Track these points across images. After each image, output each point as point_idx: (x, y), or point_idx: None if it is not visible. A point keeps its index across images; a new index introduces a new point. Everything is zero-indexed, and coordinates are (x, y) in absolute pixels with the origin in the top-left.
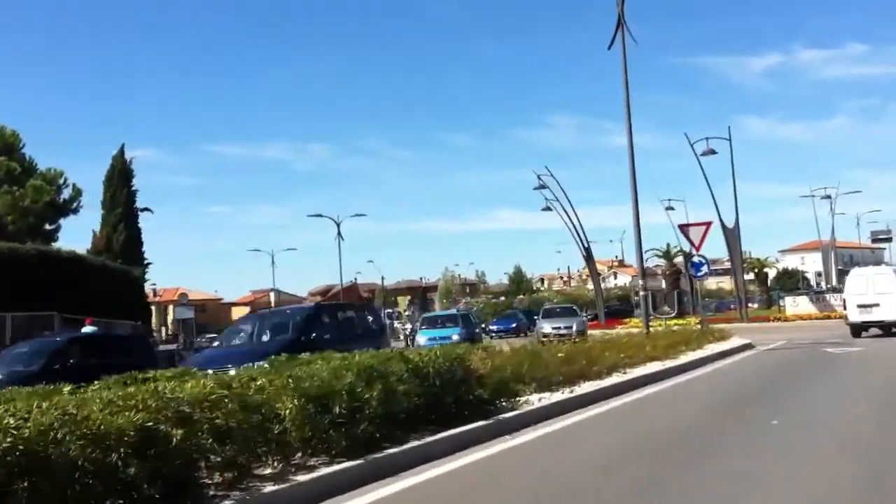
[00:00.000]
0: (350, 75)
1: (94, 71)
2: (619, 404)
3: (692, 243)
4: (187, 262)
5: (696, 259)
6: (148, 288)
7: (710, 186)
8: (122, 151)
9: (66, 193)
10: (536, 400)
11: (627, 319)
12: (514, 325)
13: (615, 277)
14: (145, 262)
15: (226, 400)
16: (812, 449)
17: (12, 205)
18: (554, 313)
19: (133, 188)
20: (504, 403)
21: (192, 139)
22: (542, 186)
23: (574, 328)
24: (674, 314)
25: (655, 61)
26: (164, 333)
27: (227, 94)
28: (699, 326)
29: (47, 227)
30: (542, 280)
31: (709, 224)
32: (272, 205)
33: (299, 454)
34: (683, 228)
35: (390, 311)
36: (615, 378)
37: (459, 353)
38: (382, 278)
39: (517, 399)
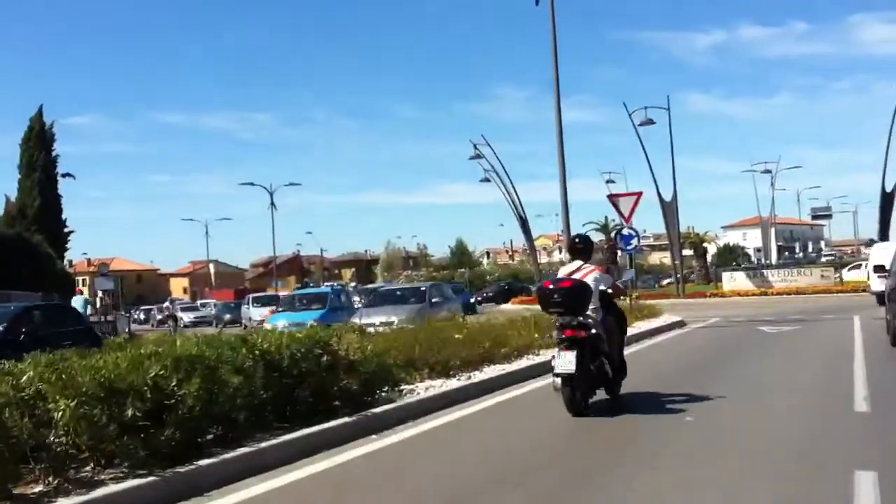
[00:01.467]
0: (296, 42)
1: (30, 31)
2: (519, 393)
3: (622, 215)
4: (126, 231)
5: (625, 231)
6: (83, 257)
7: (648, 158)
8: (40, 113)
9: None
10: (423, 389)
11: None
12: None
13: (560, 252)
14: (66, 229)
15: None
16: (722, 460)
17: None
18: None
19: (54, 153)
20: (384, 394)
21: (134, 106)
22: (479, 156)
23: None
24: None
25: (601, 36)
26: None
27: (170, 61)
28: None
29: None
30: (487, 254)
31: (639, 194)
32: (216, 174)
33: (90, 466)
34: (612, 199)
35: (332, 283)
36: (524, 361)
37: (323, 336)
38: (322, 250)
39: (401, 389)
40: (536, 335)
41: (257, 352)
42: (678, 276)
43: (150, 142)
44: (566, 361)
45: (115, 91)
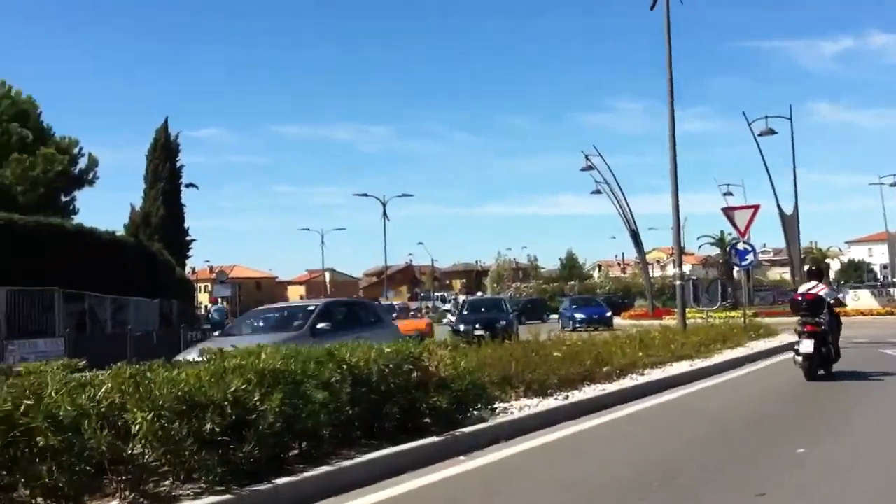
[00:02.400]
0: (413, 58)
1: (158, 45)
2: (616, 417)
3: (737, 229)
4: (248, 240)
5: (740, 246)
6: (205, 265)
7: (768, 169)
8: (165, 125)
9: (82, 164)
10: (518, 409)
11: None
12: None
13: (674, 266)
14: (188, 238)
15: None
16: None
17: (22, 174)
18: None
19: (179, 163)
20: (476, 413)
21: (259, 120)
22: (590, 167)
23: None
24: (716, 306)
25: (723, 46)
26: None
27: (294, 76)
28: (743, 321)
29: (63, 199)
30: (598, 266)
31: (755, 207)
32: (335, 185)
33: (168, 480)
34: (728, 212)
35: (444, 294)
36: (627, 381)
37: (412, 351)
38: (433, 260)
39: (494, 407)
40: (641, 353)
41: (345, 366)
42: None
43: (274, 153)
44: (807, 346)
45: (240, 104)
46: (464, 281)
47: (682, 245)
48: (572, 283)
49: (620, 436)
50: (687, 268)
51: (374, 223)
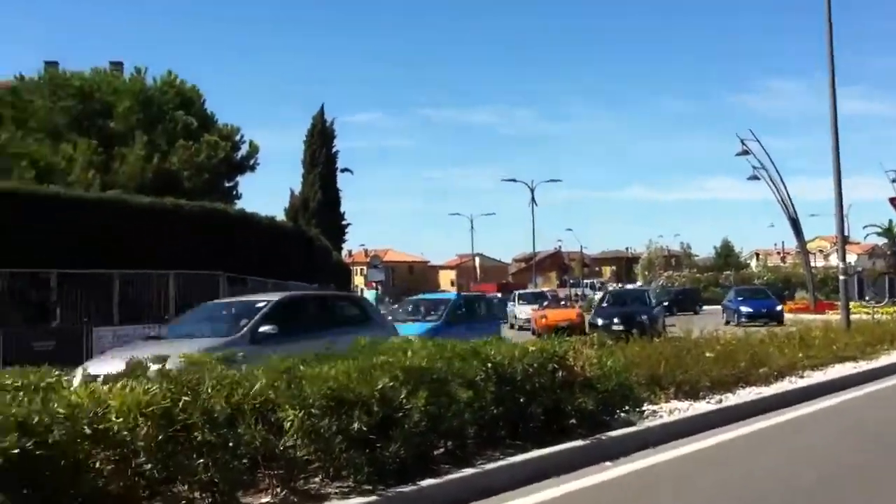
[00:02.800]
0: (556, 40)
1: (316, 34)
2: (770, 424)
3: None
4: (401, 224)
5: None
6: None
7: None
8: (321, 112)
9: (244, 150)
10: (668, 412)
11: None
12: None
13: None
14: (343, 222)
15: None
16: None
17: (187, 160)
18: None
19: (335, 149)
20: (623, 415)
21: (410, 102)
22: (745, 152)
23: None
24: (883, 302)
25: (885, 23)
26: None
27: (440, 59)
28: None
29: (226, 184)
30: (756, 255)
31: None
32: (481, 168)
33: (319, 477)
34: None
35: (593, 281)
36: (784, 384)
37: (557, 349)
38: (581, 247)
39: (642, 410)
40: (801, 354)
41: (489, 364)
42: None
43: (422, 137)
44: None
45: (393, 89)
46: (613, 268)
47: (845, 234)
48: (728, 272)
49: (774, 447)
50: (852, 258)
51: (521, 208)
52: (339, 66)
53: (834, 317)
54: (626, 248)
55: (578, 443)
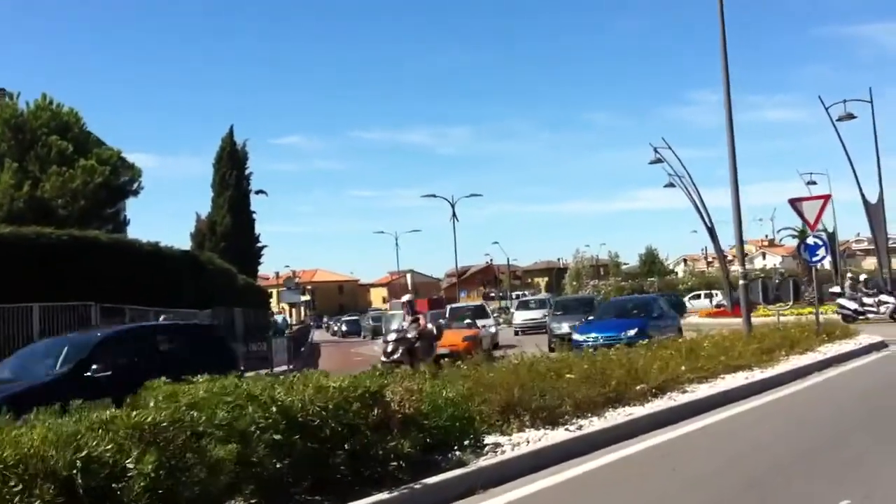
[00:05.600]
0: (489, 60)
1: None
2: (636, 451)
3: (806, 221)
4: (330, 244)
5: (810, 241)
6: (285, 270)
7: (849, 156)
8: (230, 134)
9: (125, 176)
10: (512, 446)
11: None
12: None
13: (763, 258)
14: (259, 245)
15: None
16: None
17: (60, 187)
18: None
19: (247, 171)
20: (458, 453)
21: (340, 126)
22: (659, 160)
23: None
24: (789, 305)
25: (811, 32)
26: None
27: (371, 82)
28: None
29: (108, 211)
30: (684, 261)
31: (826, 198)
32: (414, 188)
33: None
34: (795, 203)
35: (521, 293)
36: (663, 402)
37: (368, 385)
38: (508, 259)
39: (482, 445)
40: (685, 366)
41: (273, 408)
42: (888, 286)
43: (354, 159)
44: None
45: (320, 111)
46: (546, 279)
47: (771, 238)
48: (652, 279)
49: (637, 479)
50: (776, 260)
51: (458, 224)
52: (263, 91)
53: (754, 319)
54: (558, 259)
55: (383, 496)
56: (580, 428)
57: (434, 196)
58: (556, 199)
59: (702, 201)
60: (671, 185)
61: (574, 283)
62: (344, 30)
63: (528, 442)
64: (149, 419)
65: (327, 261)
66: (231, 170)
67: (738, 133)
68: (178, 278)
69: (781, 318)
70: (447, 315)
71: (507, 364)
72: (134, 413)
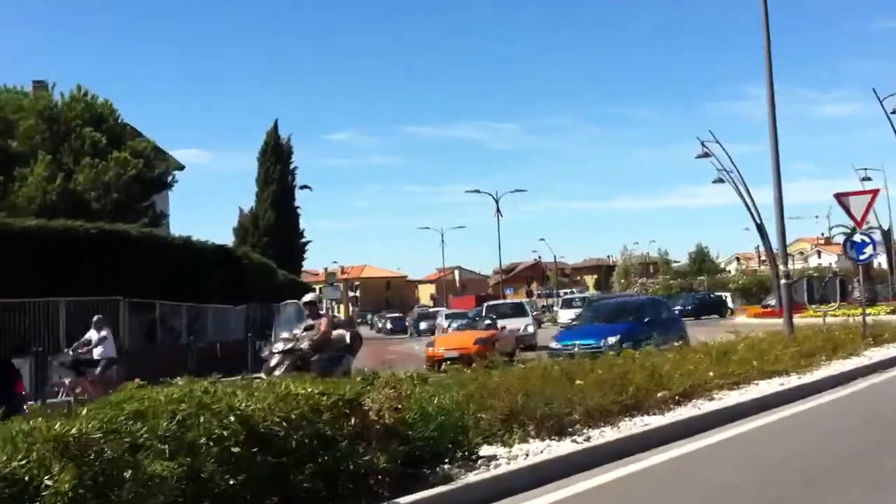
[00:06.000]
0: (539, 53)
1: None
2: (646, 467)
3: (853, 217)
4: (382, 240)
5: (857, 238)
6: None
7: None
8: (275, 128)
9: (160, 167)
10: (508, 459)
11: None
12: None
13: (819, 256)
14: (303, 240)
15: None
16: None
17: (93, 179)
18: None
19: (291, 166)
20: (448, 466)
21: (390, 121)
22: (706, 155)
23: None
24: (835, 306)
25: (868, 27)
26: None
27: (424, 76)
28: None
29: (143, 204)
30: (737, 259)
31: (874, 192)
32: (466, 183)
33: None
34: (841, 198)
35: (569, 291)
36: (685, 410)
37: (343, 392)
38: (555, 256)
39: (476, 458)
40: (712, 372)
41: (231, 418)
42: None
43: (405, 155)
44: None
45: (372, 107)
46: (595, 277)
47: (786, 239)
48: (702, 277)
49: (646, 496)
50: (832, 258)
51: (505, 220)
52: (315, 86)
53: (802, 320)
54: (608, 257)
55: None
56: (588, 439)
57: (478, 191)
58: (605, 196)
59: (751, 197)
60: (720, 180)
61: (622, 280)
62: (395, 25)
63: (528, 454)
64: (73, 430)
65: (377, 256)
66: (275, 164)
67: (793, 128)
68: (209, 273)
69: (828, 320)
70: (483, 312)
71: (518, 368)
72: (58, 424)
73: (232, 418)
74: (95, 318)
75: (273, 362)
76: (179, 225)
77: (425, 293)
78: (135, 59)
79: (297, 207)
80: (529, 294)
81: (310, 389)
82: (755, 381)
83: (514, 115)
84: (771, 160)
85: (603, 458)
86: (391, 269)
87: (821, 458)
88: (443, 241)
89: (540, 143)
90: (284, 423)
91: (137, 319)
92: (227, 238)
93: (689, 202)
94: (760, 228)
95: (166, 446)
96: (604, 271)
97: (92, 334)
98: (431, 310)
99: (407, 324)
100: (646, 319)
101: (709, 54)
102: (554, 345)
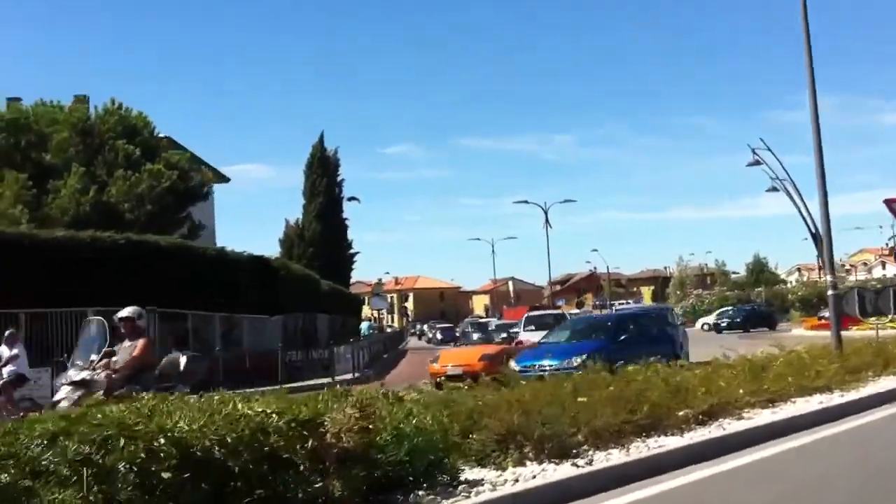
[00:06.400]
0: (594, 64)
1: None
2: (651, 494)
3: None
4: (436, 252)
5: None
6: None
7: None
8: (321, 140)
9: (196, 180)
10: (492, 486)
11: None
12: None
13: (883, 267)
14: (351, 252)
15: None
16: None
17: (126, 191)
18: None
19: (339, 178)
20: (422, 493)
21: (444, 134)
22: (757, 163)
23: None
24: (890, 317)
25: None
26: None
27: (475, 90)
28: None
29: (180, 215)
30: (798, 270)
31: None
32: (519, 195)
33: None
34: (892, 203)
35: (624, 301)
36: (711, 430)
37: (299, 412)
38: (607, 267)
39: (455, 484)
40: (742, 389)
41: (162, 440)
42: None
43: (459, 167)
44: None
45: (428, 121)
46: (652, 288)
47: (832, 247)
48: (759, 288)
49: None
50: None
51: (560, 231)
52: (371, 100)
53: (859, 332)
54: (665, 268)
55: None
56: (591, 462)
57: (526, 202)
58: (661, 207)
59: (805, 207)
60: (774, 188)
61: (678, 292)
62: (448, 38)
63: (518, 479)
64: None
65: (431, 268)
66: (322, 177)
67: (860, 138)
68: (244, 284)
69: (883, 332)
70: (522, 323)
71: (520, 385)
72: None
73: (162, 440)
74: (7, 332)
75: (60, 395)
76: (233, 238)
77: (480, 304)
78: (196, 75)
79: (346, 219)
80: (580, 305)
81: (259, 409)
82: (793, 399)
83: (568, 127)
84: (815, 165)
85: (605, 484)
86: (445, 280)
87: (848, 485)
88: (493, 251)
89: (593, 155)
90: (222, 447)
91: (168, 330)
92: (275, 250)
93: (747, 212)
94: (815, 237)
95: (75, 472)
96: (660, 282)
97: (3, 351)
98: (483, 320)
99: (457, 334)
100: (621, 337)
101: (767, 64)
102: (514, 366)
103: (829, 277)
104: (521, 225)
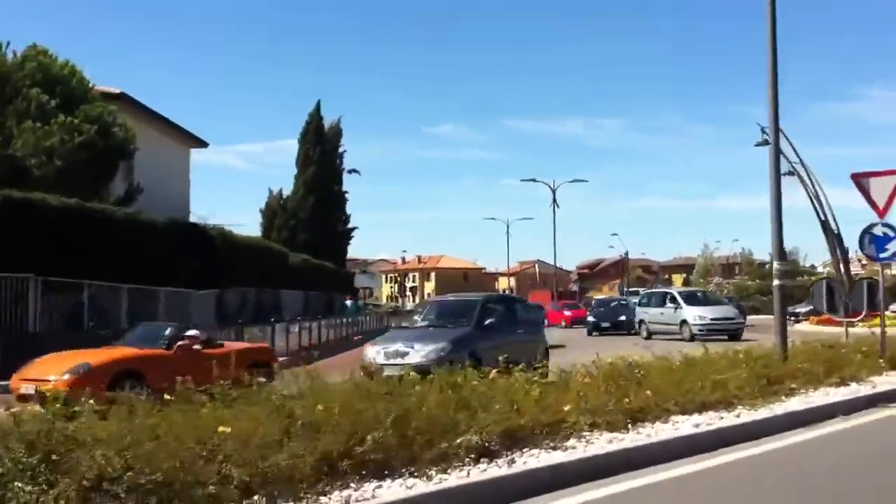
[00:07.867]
0: (643, 50)
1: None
2: None
3: (873, 204)
4: (470, 232)
5: (877, 231)
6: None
7: None
8: (317, 109)
9: (119, 135)
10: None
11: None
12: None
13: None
14: (348, 226)
15: None
16: None
17: (34, 145)
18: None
19: (340, 149)
20: None
21: (491, 114)
22: (765, 142)
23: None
24: (863, 314)
25: None
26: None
27: (525, 71)
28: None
29: (98, 175)
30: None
31: None
32: (562, 178)
33: None
34: (859, 179)
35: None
36: (637, 436)
37: None
38: (626, 253)
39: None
40: (569, 406)
41: None
42: None
43: (505, 149)
44: None
45: (475, 101)
46: (684, 275)
47: (781, 237)
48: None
49: None
50: None
51: (592, 214)
52: (420, 79)
53: (865, 329)
54: (697, 255)
55: None
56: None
57: (534, 181)
58: (709, 194)
59: (816, 196)
60: (791, 173)
61: (701, 280)
62: (497, 18)
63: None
64: None
65: (461, 248)
66: (315, 146)
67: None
68: (165, 253)
69: (851, 331)
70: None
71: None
72: None
73: None
74: None
75: None
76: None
77: (504, 286)
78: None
79: (345, 192)
80: (583, 291)
81: None
82: (670, 418)
83: (618, 112)
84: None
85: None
86: (468, 261)
87: None
88: (508, 232)
89: (642, 141)
90: None
91: (55, 302)
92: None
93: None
94: (825, 226)
95: None
96: (692, 270)
97: None
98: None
99: None
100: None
101: (816, 56)
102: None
103: (775, 264)
104: (563, 208)
